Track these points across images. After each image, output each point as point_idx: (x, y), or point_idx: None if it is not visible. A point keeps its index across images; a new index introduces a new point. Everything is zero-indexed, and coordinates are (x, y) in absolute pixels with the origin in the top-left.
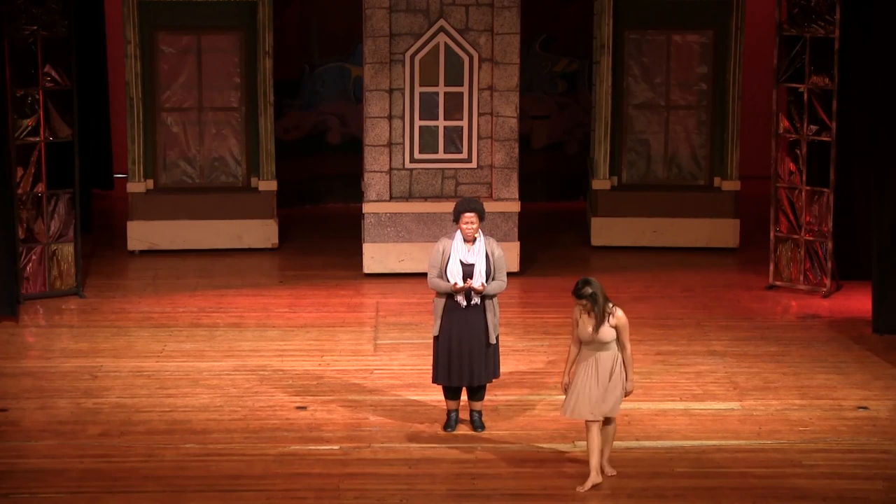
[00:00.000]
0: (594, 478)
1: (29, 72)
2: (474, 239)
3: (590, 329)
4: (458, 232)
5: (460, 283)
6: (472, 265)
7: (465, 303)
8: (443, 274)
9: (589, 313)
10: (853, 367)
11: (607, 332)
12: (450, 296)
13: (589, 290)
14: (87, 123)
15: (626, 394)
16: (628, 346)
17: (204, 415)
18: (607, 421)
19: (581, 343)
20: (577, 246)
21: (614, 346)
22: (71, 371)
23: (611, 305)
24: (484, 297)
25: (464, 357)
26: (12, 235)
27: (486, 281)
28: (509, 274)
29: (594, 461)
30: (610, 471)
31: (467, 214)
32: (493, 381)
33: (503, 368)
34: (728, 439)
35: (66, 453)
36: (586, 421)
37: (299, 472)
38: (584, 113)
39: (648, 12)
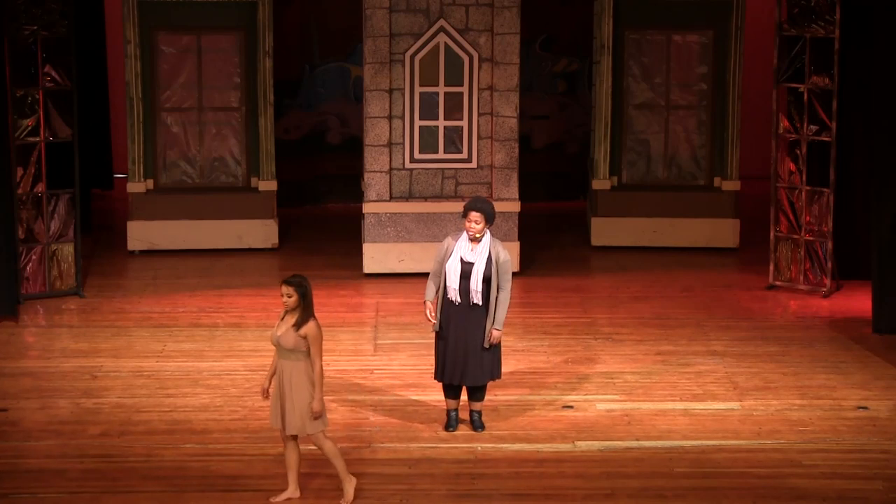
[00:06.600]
0: (291, 492)
1: (29, 72)
2: (480, 239)
3: (279, 331)
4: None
5: (454, 288)
6: (472, 264)
7: (458, 300)
8: (443, 270)
9: (289, 313)
10: (853, 367)
11: (290, 337)
12: (446, 292)
13: (299, 280)
14: (87, 123)
15: (315, 414)
16: (318, 361)
17: (204, 415)
18: (294, 437)
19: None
20: (577, 246)
21: (300, 357)
22: (71, 371)
23: (311, 316)
24: (487, 300)
25: (458, 356)
26: (12, 235)
27: (483, 283)
28: None
29: (290, 475)
30: (284, 496)
31: (473, 213)
32: (494, 381)
33: (503, 368)
34: (728, 439)
35: (66, 453)
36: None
37: (299, 472)
38: (584, 113)
39: (648, 12)
